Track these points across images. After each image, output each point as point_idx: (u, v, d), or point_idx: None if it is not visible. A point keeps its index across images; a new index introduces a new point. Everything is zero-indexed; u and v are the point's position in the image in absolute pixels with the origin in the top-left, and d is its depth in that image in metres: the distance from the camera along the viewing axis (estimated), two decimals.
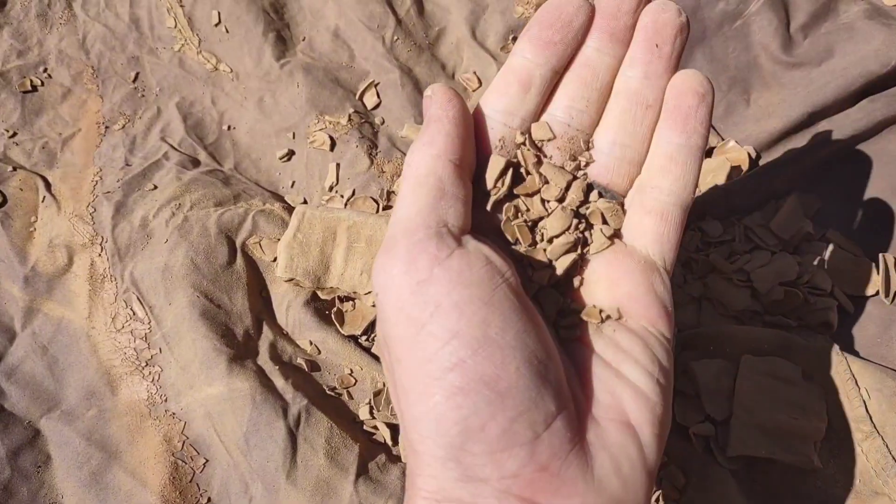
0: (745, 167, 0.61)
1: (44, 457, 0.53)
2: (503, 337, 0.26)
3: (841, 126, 0.59)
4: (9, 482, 0.51)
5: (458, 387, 0.26)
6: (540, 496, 0.26)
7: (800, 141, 0.61)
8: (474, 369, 0.26)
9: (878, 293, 0.56)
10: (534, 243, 0.32)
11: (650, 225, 0.32)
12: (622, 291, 0.31)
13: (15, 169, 0.67)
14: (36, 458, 0.53)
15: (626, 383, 0.30)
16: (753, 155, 0.61)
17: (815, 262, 0.57)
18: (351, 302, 0.59)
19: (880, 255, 0.56)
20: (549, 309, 0.31)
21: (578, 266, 0.32)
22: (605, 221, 0.32)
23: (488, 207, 0.32)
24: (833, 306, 0.55)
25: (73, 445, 0.53)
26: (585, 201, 0.32)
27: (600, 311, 0.31)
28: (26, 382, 0.56)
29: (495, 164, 0.31)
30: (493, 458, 0.26)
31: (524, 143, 0.32)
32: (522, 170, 0.32)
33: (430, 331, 0.26)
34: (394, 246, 0.28)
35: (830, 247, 0.57)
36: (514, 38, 0.69)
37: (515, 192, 0.32)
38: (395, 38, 0.72)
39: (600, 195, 0.33)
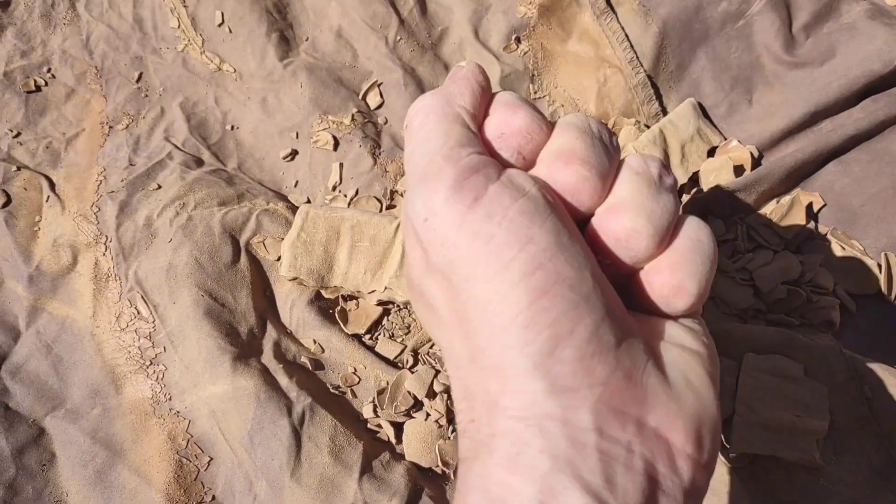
0: (747, 166, 0.61)
1: (49, 455, 0.53)
2: (573, 244, 0.26)
3: (843, 125, 0.59)
4: (14, 480, 0.52)
5: (543, 289, 0.25)
6: (629, 406, 0.26)
7: (802, 140, 0.61)
8: (556, 271, 0.25)
9: (880, 292, 0.56)
10: None
11: None
12: None
13: (19, 169, 0.67)
14: (41, 457, 0.53)
15: (676, 323, 0.30)
16: (756, 154, 0.62)
17: (818, 261, 0.57)
18: (354, 301, 0.59)
19: (882, 253, 0.56)
20: None
21: None
22: None
23: None
24: (835, 305, 0.55)
25: (77, 444, 0.53)
26: None
27: None
28: (31, 381, 0.56)
29: None
30: (582, 364, 0.25)
31: None
32: None
33: (502, 240, 0.26)
34: (437, 171, 0.27)
35: (833, 245, 0.57)
36: (517, 38, 0.70)
37: None
38: (398, 38, 0.72)
39: None
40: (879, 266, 0.56)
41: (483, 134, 0.31)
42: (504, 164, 0.30)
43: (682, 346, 0.29)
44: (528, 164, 0.30)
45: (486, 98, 0.31)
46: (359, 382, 0.56)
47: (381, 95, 0.70)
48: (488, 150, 0.30)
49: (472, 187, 0.27)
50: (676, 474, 0.26)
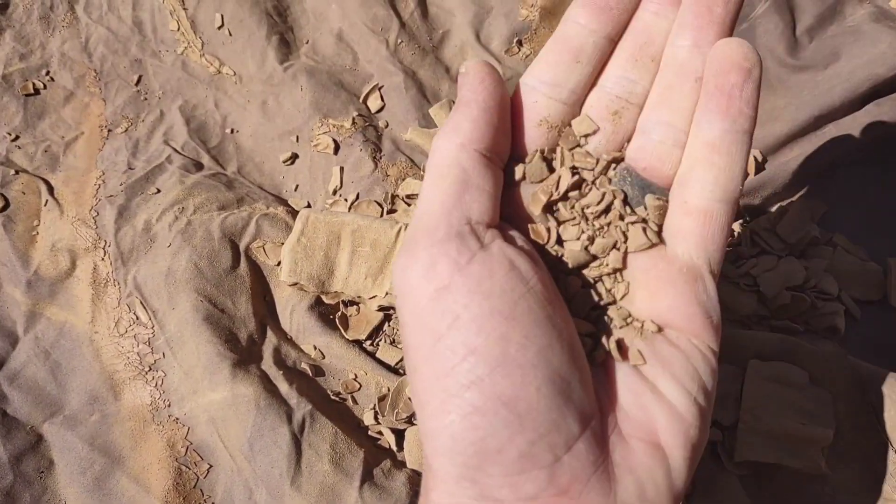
0: (751, 171, 0.60)
1: (46, 462, 0.53)
2: (524, 355, 0.25)
3: (847, 129, 0.59)
4: (11, 487, 0.51)
5: (475, 406, 0.24)
6: None
7: (806, 144, 0.61)
8: (492, 389, 0.24)
9: (884, 297, 0.55)
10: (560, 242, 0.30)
11: (693, 226, 0.29)
12: (663, 303, 0.29)
13: (17, 172, 0.67)
14: (39, 464, 0.53)
15: (661, 400, 0.27)
16: (760, 158, 0.61)
17: (822, 267, 0.56)
18: (355, 306, 0.58)
19: (888, 259, 0.56)
20: (581, 311, 0.29)
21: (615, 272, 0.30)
22: (644, 221, 0.29)
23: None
24: (840, 311, 0.55)
25: (75, 451, 0.53)
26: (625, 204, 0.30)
27: (642, 323, 0.29)
28: (29, 387, 0.56)
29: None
30: (510, 480, 0.25)
31: (563, 147, 0.30)
32: (556, 163, 0.30)
33: (448, 344, 0.25)
34: (414, 246, 0.26)
35: (837, 251, 0.57)
36: (519, 41, 0.69)
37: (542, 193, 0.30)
38: (399, 40, 0.71)
39: (640, 189, 0.30)
40: (884, 272, 0.56)
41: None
42: None
43: (649, 441, 0.27)
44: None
45: (496, 110, 0.29)
46: (359, 389, 0.55)
47: (382, 99, 0.70)
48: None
49: (438, 275, 0.26)
50: None
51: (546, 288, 0.27)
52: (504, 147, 0.29)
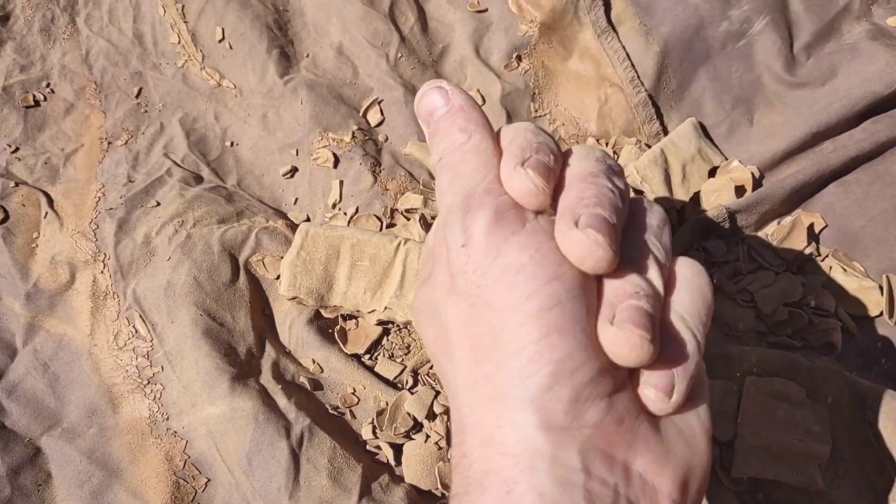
0: (748, 187, 0.61)
1: (44, 475, 0.53)
2: (593, 293, 0.28)
3: (844, 146, 0.59)
4: (9, 501, 0.51)
5: (555, 326, 0.26)
6: (617, 450, 0.26)
7: (803, 161, 0.61)
8: (573, 313, 0.26)
9: (882, 314, 0.56)
10: None
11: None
12: None
13: (17, 184, 0.67)
14: (36, 477, 0.52)
15: None
16: (757, 174, 0.61)
17: (819, 283, 0.56)
18: (354, 320, 0.59)
19: (884, 275, 0.56)
20: None
21: None
22: None
23: None
24: (837, 327, 0.55)
25: (73, 464, 0.53)
26: None
27: None
28: (27, 400, 0.56)
29: None
30: (575, 406, 0.26)
31: None
32: None
33: (530, 272, 0.27)
34: (480, 202, 0.29)
35: (834, 267, 0.57)
36: (518, 57, 0.70)
37: None
38: (399, 55, 0.72)
39: None
40: (881, 288, 0.56)
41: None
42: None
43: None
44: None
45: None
46: (358, 403, 0.55)
47: (382, 113, 0.70)
48: None
49: (511, 221, 0.28)
50: None
51: None
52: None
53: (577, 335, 0.26)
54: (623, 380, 0.28)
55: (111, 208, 0.64)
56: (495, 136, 0.33)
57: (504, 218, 0.28)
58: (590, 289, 0.28)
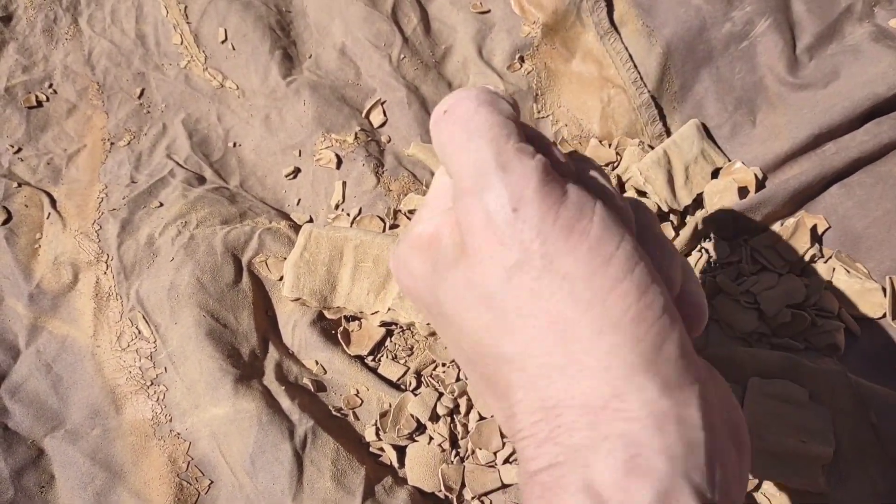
0: (751, 188, 0.61)
1: (47, 476, 0.53)
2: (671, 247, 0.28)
3: (847, 148, 0.59)
4: (12, 502, 0.51)
5: (645, 285, 0.25)
6: (718, 401, 0.27)
7: (806, 162, 0.61)
8: (650, 268, 0.26)
9: (885, 315, 0.56)
10: None
11: None
12: None
13: (20, 185, 0.67)
14: (39, 478, 0.53)
15: None
16: (760, 176, 0.61)
17: (822, 285, 0.56)
18: (357, 322, 0.59)
19: (887, 277, 0.56)
20: None
21: None
22: None
23: None
24: (840, 329, 0.55)
25: (76, 465, 0.53)
26: None
27: None
28: (30, 401, 0.56)
29: None
30: (685, 361, 0.25)
31: None
32: None
33: (598, 235, 0.25)
34: (519, 160, 0.26)
35: (837, 269, 0.57)
36: (521, 58, 0.70)
37: None
38: (402, 56, 0.72)
39: None
40: (884, 289, 0.56)
41: None
42: None
43: None
44: None
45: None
46: (361, 405, 0.55)
47: (385, 114, 0.70)
48: None
49: (558, 181, 0.26)
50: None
51: None
52: None
53: (663, 289, 0.25)
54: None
55: (114, 209, 0.64)
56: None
57: (551, 178, 0.26)
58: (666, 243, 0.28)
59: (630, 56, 0.66)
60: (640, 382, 0.24)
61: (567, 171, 0.29)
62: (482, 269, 0.27)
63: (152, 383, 0.56)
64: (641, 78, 0.66)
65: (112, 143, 0.71)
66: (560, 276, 0.25)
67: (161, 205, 0.64)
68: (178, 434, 0.54)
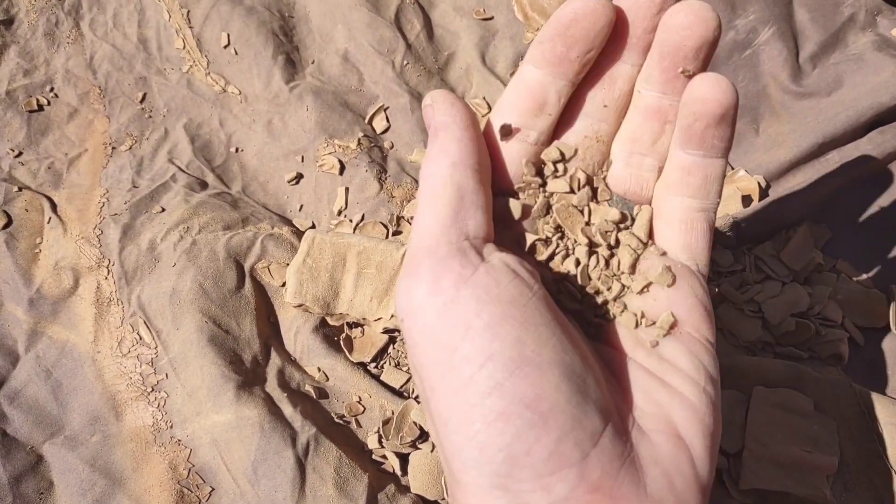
0: (755, 196, 0.61)
1: (46, 483, 0.52)
2: (539, 355, 0.25)
3: (850, 156, 0.59)
4: None
5: (499, 411, 0.24)
6: None
7: (810, 171, 0.61)
8: (513, 391, 0.24)
9: (889, 325, 0.56)
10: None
11: (675, 234, 0.31)
12: (662, 297, 0.30)
13: (21, 189, 0.66)
14: (38, 485, 0.52)
15: (672, 393, 0.28)
16: (763, 184, 0.61)
17: (826, 294, 0.56)
18: (360, 328, 0.58)
19: (892, 286, 0.56)
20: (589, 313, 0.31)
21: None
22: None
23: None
24: (844, 338, 0.55)
25: (76, 472, 0.52)
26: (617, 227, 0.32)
27: (651, 322, 0.30)
28: (29, 407, 0.55)
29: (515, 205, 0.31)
30: (541, 482, 0.24)
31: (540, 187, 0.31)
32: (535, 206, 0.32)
33: (464, 354, 0.25)
34: (416, 267, 0.27)
35: (841, 278, 0.57)
36: None
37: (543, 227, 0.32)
38: (405, 62, 0.72)
39: (627, 209, 0.32)
40: (888, 298, 0.56)
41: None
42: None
43: (669, 433, 0.27)
44: None
45: (475, 129, 0.29)
46: (364, 412, 0.55)
47: (388, 120, 0.70)
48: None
49: (444, 289, 0.26)
50: None
51: (548, 295, 0.28)
52: (488, 164, 0.30)
53: (523, 413, 0.24)
54: (596, 435, 0.25)
55: (115, 214, 0.64)
56: (469, 145, 0.29)
57: (438, 286, 0.26)
58: (535, 349, 0.25)
59: None
60: (485, 500, 0.25)
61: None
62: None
63: (153, 389, 0.55)
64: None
65: (114, 148, 0.71)
66: (430, 388, 0.26)
67: (163, 210, 0.64)
68: (179, 441, 0.53)
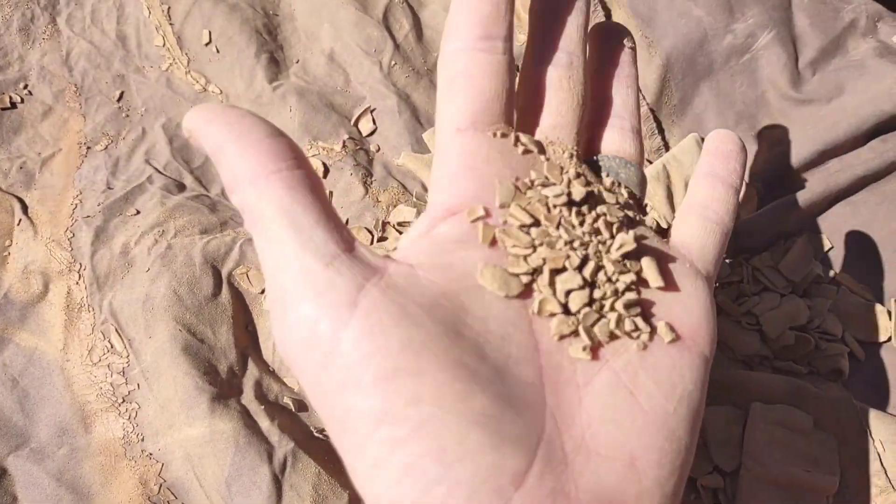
0: (753, 205, 0.59)
1: (10, 498, 0.50)
2: (441, 406, 0.22)
3: (852, 166, 0.58)
4: None
5: (404, 466, 0.22)
6: None
7: (809, 180, 0.59)
8: (417, 448, 0.22)
9: (890, 339, 0.54)
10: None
11: (689, 231, 0.31)
12: (666, 301, 0.28)
13: None
14: (1, 500, 0.50)
15: (637, 411, 0.25)
16: (762, 193, 0.60)
17: (826, 307, 0.55)
18: None
19: (892, 299, 0.54)
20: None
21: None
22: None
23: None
24: (844, 352, 0.53)
25: (41, 486, 0.50)
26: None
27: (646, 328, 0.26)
28: None
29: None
30: None
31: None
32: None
33: (358, 412, 0.22)
34: (283, 305, 0.23)
35: (841, 290, 0.55)
36: (517, 67, 0.67)
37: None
38: (393, 63, 0.69)
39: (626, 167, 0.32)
40: (889, 312, 0.54)
41: None
42: None
43: (620, 458, 0.24)
44: None
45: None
46: None
47: (374, 122, 0.68)
48: None
49: (321, 341, 0.23)
50: None
51: (445, 321, 0.24)
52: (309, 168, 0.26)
53: (430, 469, 0.22)
54: (518, 476, 0.23)
55: (88, 216, 0.61)
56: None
57: (315, 336, 0.23)
58: (430, 405, 0.23)
59: None
60: None
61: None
62: None
63: (124, 400, 0.53)
64: (640, 90, 0.64)
65: (89, 148, 0.68)
66: (328, 428, 0.24)
67: (138, 212, 0.62)
68: (151, 455, 0.51)
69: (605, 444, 0.24)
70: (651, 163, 0.62)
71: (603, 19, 0.65)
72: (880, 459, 0.47)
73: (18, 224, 0.62)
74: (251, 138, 0.24)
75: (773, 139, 0.62)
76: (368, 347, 0.22)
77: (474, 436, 0.22)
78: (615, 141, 0.33)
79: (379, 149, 0.67)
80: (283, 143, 0.25)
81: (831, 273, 0.57)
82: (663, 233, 0.58)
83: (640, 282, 0.27)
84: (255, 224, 0.24)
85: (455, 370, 0.23)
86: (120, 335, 0.55)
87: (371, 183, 0.64)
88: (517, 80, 0.31)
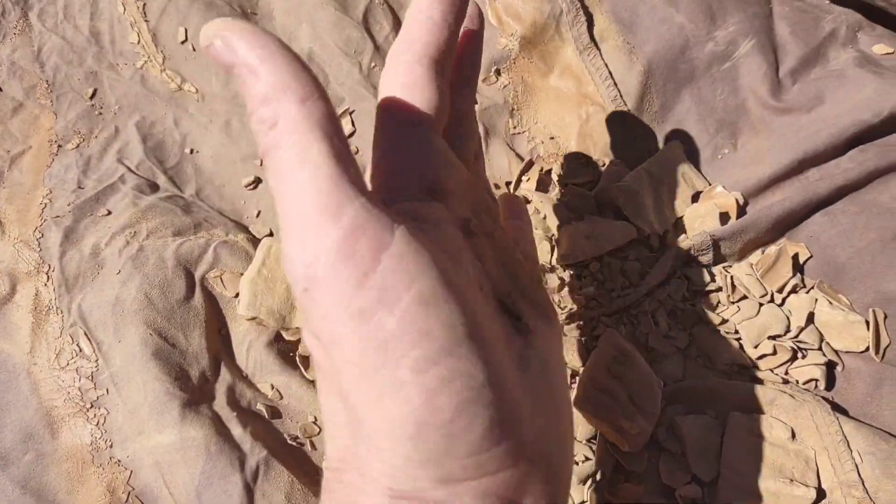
0: (732, 214, 0.58)
1: None
2: (476, 331, 0.24)
3: (831, 175, 0.58)
4: None
5: (436, 390, 0.22)
6: (509, 491, 0.25)
7: (789, 189, 0.59)
8: (451, 367, 0.23)
9: (868, 349, 0.54)
10: None
11: None
12: None
13: None
14: None
15: None
16: (741, 201, 0.59)
17: (804, 316, 0.54)
18: None
19: (870, 309, 0.54)
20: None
21: None
22: None
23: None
24: (822, 362, 0.53)
25: (5, 493, 0.49)
26: None
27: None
28: None
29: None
30: (476, 459, 0.24)
31: None
32: None
33: (394, 330, 0.22)
34: (317, 228, 0.22)
35: (819, 300, 0.55)
36: (497, 71, 0.67)
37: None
38: (373, 64, 0.69)
39: None
40: (867, 322, 0.54)
41: None
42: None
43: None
44: None
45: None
46: (319, 433, 0.52)
47: (353, 124, 0.67)
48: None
49: (361, 259, 0.22)
50: None
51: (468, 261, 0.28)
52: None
53: (461, 390, 0.23)
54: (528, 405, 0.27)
55: (58, 216, 0.60)
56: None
57: (352, 255, 0.22)
58: (466, 330, 0.23)
59: (610, 73, 0.64)
60: (415, 473, 0.24)
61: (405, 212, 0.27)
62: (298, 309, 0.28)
63: (92, 406, 0.52)
64: (621, 96, 0.64)
65: (59, 146, 0.66)
66: (345, 361, 0.23)
67: (109, 213, 0.60)
68: (119, 462, 0.50)
69: None
70: (631, 169, 0.61)
71: (585, 25, 0.65)
72: (857, 470, 0.47)
73: None
74: (292, 56, 0.24)
75: (753, 148, 0.62)
76: (410, 270, 0.23)
77: (507, 365, 0.26)
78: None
79: (358, 150, 0.66)
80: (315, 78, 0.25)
81: (810, 282, 0.56)
82: (643, 240, 0.58)
83: None
84: (284, 141, 0.23)
85: (480, 296, 0.27)
86: (89, 339, 0.53)
87: None
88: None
